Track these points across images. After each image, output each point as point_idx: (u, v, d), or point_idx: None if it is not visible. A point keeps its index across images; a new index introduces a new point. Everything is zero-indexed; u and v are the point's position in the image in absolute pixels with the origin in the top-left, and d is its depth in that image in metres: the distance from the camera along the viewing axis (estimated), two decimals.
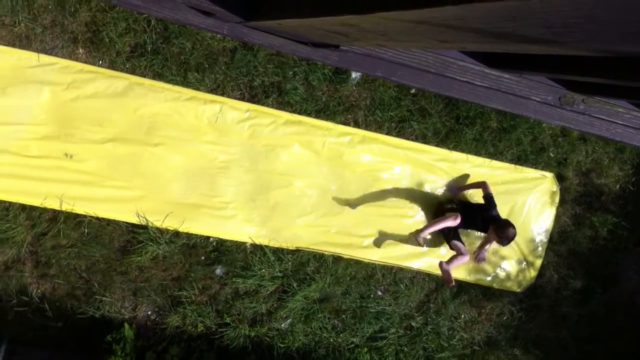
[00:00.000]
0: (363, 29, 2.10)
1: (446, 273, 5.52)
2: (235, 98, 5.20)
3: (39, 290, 5.12)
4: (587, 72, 2.67)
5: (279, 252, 5.52)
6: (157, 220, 5.11)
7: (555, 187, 6.15)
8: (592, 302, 6.65)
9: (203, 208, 5.26)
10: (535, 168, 6.09)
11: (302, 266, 5.65)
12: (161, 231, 5.17)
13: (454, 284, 5.65)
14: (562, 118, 5.06)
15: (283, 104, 5.29)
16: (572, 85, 3.85)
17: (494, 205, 5.56)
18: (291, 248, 5.57)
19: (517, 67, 3.64)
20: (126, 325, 5.21)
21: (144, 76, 4.93)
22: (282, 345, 5.75)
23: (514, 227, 5.44)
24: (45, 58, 4.69)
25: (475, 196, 5.87)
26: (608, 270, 6.60)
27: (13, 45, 4.63)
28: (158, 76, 4.93)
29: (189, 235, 5.29)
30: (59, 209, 4.88)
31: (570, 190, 6.26)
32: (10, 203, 4.81)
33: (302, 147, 5.41)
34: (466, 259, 5.64)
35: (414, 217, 5.89)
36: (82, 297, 5.22)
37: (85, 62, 4.80)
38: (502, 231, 5.41)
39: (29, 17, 4.60)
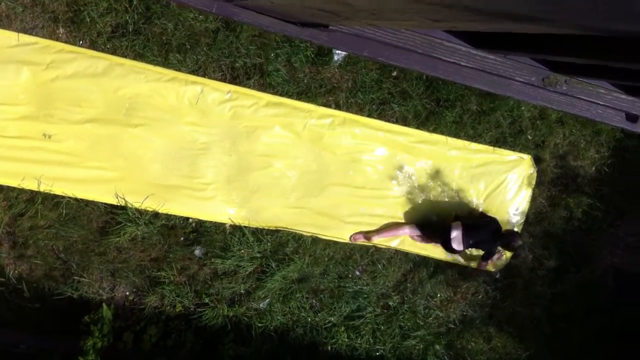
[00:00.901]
0: (356, 8, 2.31)
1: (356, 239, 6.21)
2: (216, 79, 5.47)
3: (16, 271, 5.35)
4: (571, 52, 2.93)
5: (258, 233, 5.84)
6: (136, 202, 5.41)
7: (532, 169, 6.54)
8: (565, 281, 7.10)
9: (183, 189, 5.55)
10: (513, 150, 6.49)
11: (281, 247, 6.00)
12: (140, 212, 5.44)
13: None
14: (544, 99, 5.40)
15: (265, 86, 5.60)
16: (556, 66, 4.15)
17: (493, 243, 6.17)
18: (270, 229, 5.89)
19: (502, 47, 3.91)
20: (104, 306, 5.47)
21: (125, 57, 5.17)
22: (260, 325, 6.11)
23: (515, 234, 6.26)
24: (25, 38, 4.90)
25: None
26: (582, 250, 7.06)
27: None
28: (139, 57, 5.19)
29: (168, 217, 5.56)
30: (37, 189, 5.13)
31: (547, 172, 6.67)
32: None
33: (283, 129, 5.72)
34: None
35: (393, 199, 6.14)
36: (59, 278, 5.47)
37: (66, 42, 5.02)
38: (510, 246, 6.21)
39: None
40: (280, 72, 5.57)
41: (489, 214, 6.43)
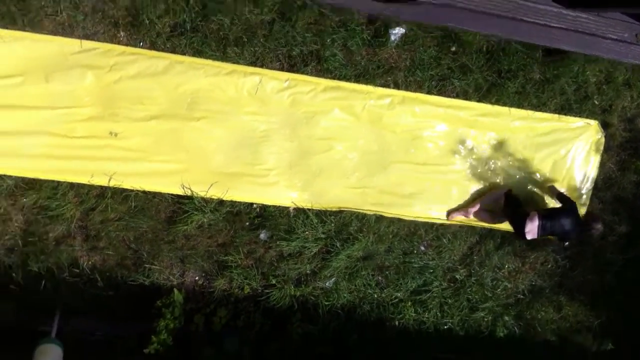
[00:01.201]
0: None
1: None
2: (274, 69, 5.86)
3: (90, 262, 5.94)
4: None
5: (321, 215, 6.27)
6: (201, 191, 5.91)
7: (599, 135, 6.78)
8: (637, 246, 7.35)
9: (246, 176, 6.02)
10: (579, 117, 6.66)
11: (345, 227, 6.39)
12: (206, 201, 5.94)
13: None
14: (635, 56, 5.51)
15: (322, 71, 5.95)
16: None
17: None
18: (334, 210, 6.24)
19: (599, 4, 3.96)
20: (175, 290, 6.01)
21: (184, 54, 5.62)
22: (327, 303, 6.56)
23: (597, 222, 6.44)
24: (87, 44, 5.41)
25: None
26: None
27: (56, 34, 5.34)
28: (198, 53, 5.62)
29: (233, 203, 6.05)
30: (106, 185, 5.67)
31: (615, 136, 6.90)
32: (58, 182, 5.61)
33: (342, 112, 6.09)
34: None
35: (456, 173, 6.54)
36: (131, 267, 6.06)
37: (127, 45, 5.50)
38: (590, 234, 6.49)
39: (70, 5, 5.31)
40: (337, 56, 5.90)
41: (563, 189, 6.68)
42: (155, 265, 5.99)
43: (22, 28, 5.25)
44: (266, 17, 5.64)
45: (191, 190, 5.82)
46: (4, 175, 5.42)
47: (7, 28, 5.24)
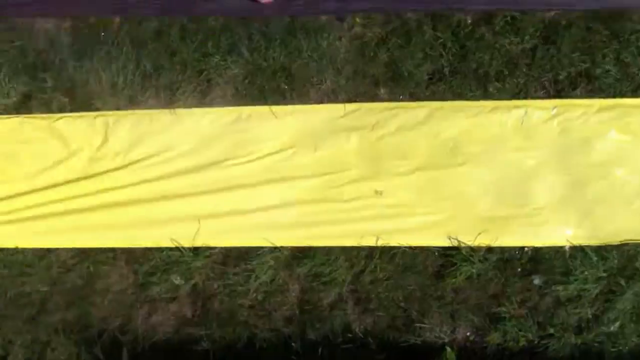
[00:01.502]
0: None
1: None
2: (539, 98, 6.03)
3: (361, 326, 6.28)
4: None
5: (602, 250, 6.17)
6: (468, 240, 6.06)
7: None
8: None
9: (515, 218, 6.13)
10: None
11: (629, 261, 6.21)
12: (474, 250, 6.09)
13: None
14: None
15: (594, 91, 6.02)
16: None
17: None
18: (615, 244, 6.12)
19: None
20: (447, 349, 6.21)
21: (443, 99, 6.01)
22: (612, 350, 6.32)
23: None
24: (350, 106, 6.02)
25: None
26: None
27: (321, 102, 6.08)
28: (458, 96, 5.99)
29: (502, 249, 6.20)
30: (374, 245, 5.99)
31: None
32: (330, 248, 6.12)
33: (619, 132, 6.03)
34: None
35: None
36: (401, 327, 6.35)
37: (387, 100, 6.04)
38: None
39: (334, 72, 6.04)
40: (610, 72, 5.98)
41: None
42: (425, 324, 6.20)
43: (291, 102, 6.00)
44: (527, 44, 5.91)
45: (458, 241, 6.03)
46: (281, 247, 6.04)
47: (278, 104, 5.98)
